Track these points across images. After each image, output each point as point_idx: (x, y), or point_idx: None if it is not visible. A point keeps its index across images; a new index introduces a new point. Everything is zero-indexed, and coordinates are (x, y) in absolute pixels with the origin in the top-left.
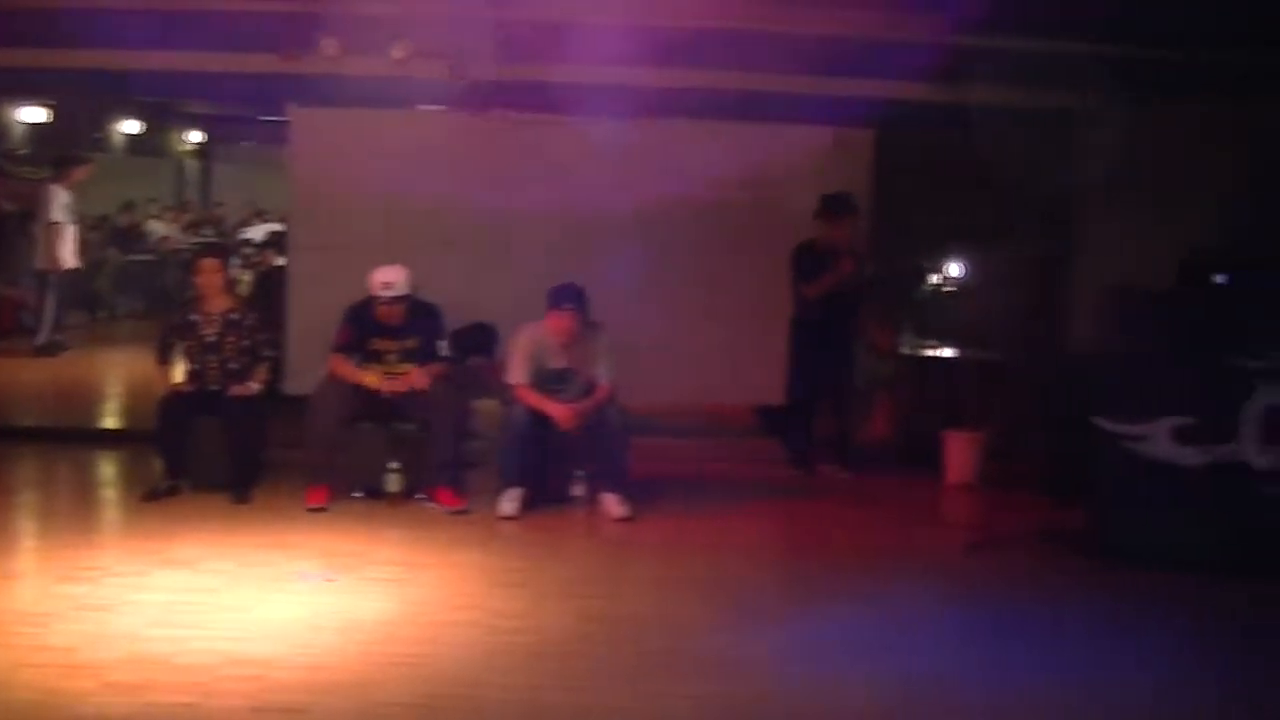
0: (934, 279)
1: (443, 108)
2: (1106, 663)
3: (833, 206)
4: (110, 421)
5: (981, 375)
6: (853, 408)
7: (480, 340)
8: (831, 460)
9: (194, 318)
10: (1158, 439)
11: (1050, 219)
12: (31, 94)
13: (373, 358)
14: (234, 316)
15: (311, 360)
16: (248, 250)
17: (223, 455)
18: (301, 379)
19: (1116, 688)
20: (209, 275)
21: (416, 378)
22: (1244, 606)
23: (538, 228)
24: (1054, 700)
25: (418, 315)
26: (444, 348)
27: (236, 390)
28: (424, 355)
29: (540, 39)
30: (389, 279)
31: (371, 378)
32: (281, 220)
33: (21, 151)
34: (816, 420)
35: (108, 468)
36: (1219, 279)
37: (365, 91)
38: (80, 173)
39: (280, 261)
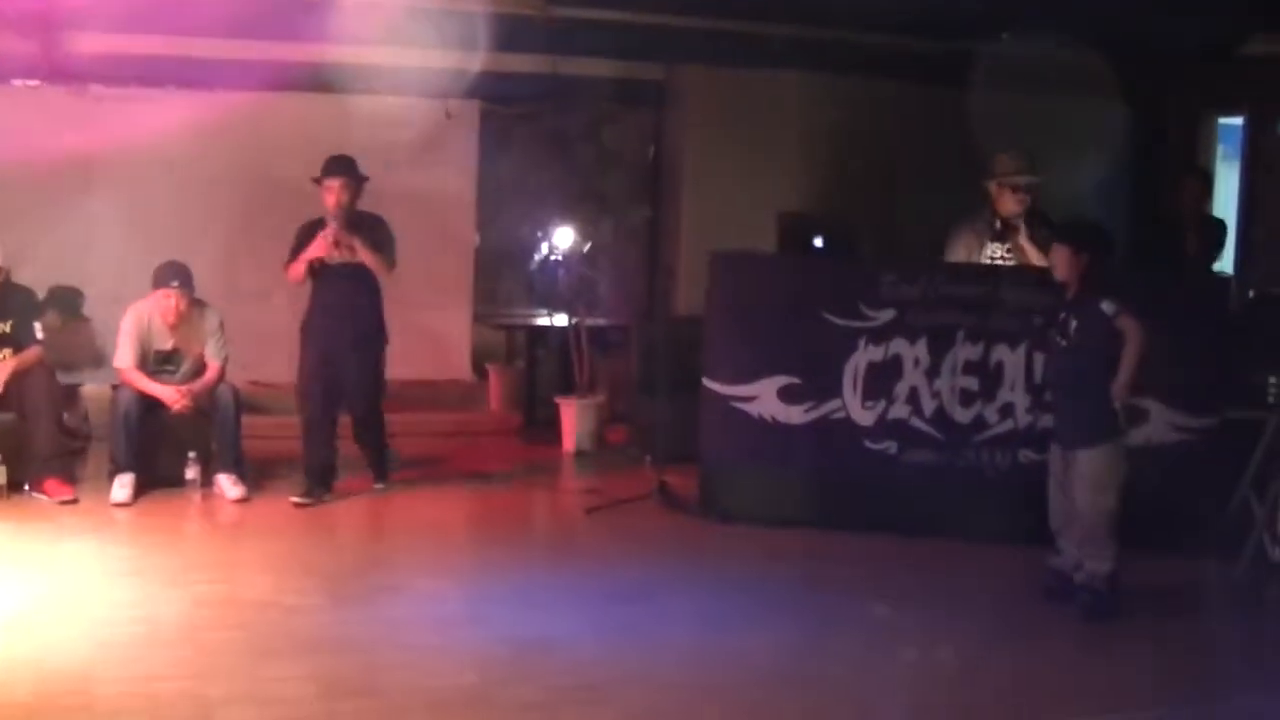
0: (545, 248)
1: (34, 83)
2: (710, 620)
3: (322, 170)
4: None
5: (594, 342)
6: (375, 410)
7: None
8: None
9: None
10: (765, 399)
11: (653, 186)
12: None
13: None
14: None
15: None
16: None
17: None
18: None
19: (725, 642)
20: None
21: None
22: (854, 560)
23: (139, 204)
24: (654, 657)
25: (10, 298)
26: (39, 330)
27: None
28: (18, 340)
29: (130, 9)
30: None
31: None
32: None
33: None
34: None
35: None
36: (816, 241)
37: None
38: None
39: None
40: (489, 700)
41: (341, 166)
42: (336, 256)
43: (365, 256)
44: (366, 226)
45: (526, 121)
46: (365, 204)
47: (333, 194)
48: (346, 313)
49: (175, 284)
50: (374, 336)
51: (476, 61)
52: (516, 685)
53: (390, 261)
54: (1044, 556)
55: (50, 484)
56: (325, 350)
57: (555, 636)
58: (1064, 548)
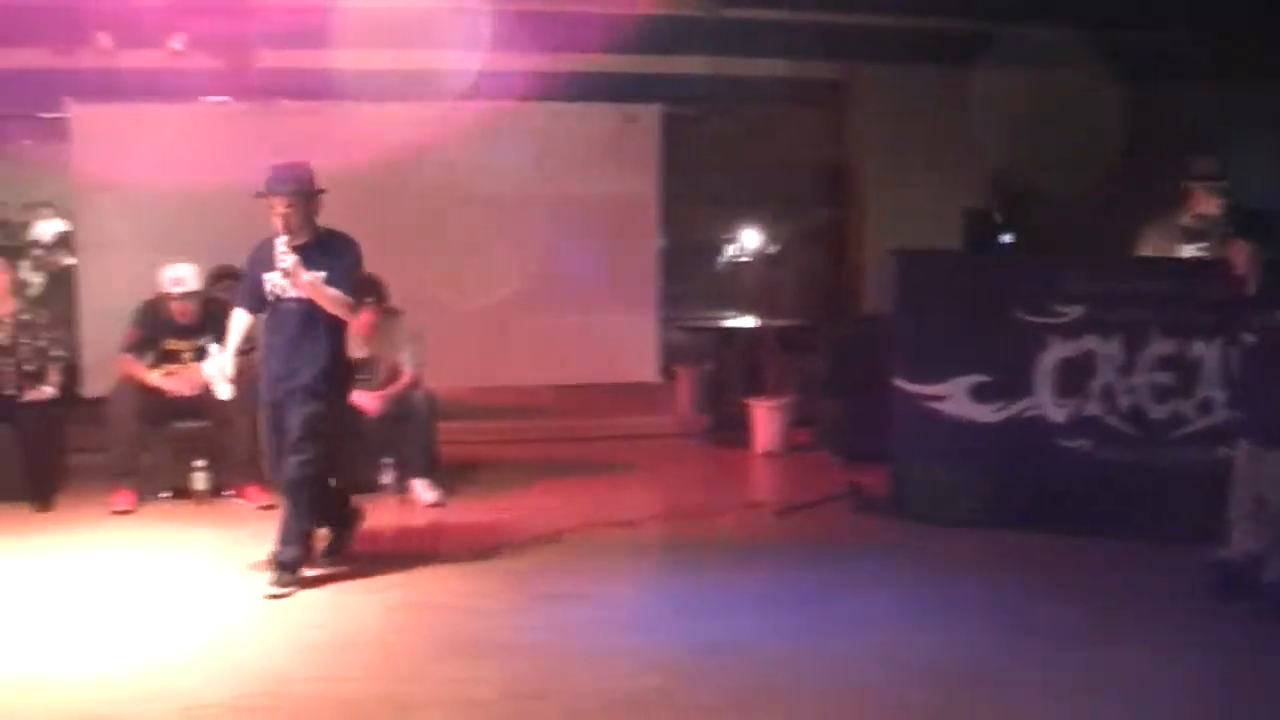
0: (730, 249)
1: (222, 99)
2: (897, 623)
3: (265, 184)
4: None
5: (781, 342)
6: (310, 475)
7: None
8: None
9: None
10: (956, 398)
11: (837, 184)
12: None
13: (168, 358)
14: (25, 318)
15: (107, 360)
16: (36, 251)
17: (20, 463)
18: (98, 380)
19: (913, 645)
20: None
21: (196, 374)
22: (1045, 560)
23: (327, 215)
24: (839, 661)
25: (211, 313)
26: None
27: (31, 395)
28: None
29: (315, 24)
30: (179, 276)
31: (159, 377)
32: (68, 219)
33: None
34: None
35: None
36: (1004, 238)
37: (144, 85)
38: None
39: (70, 261)
40: (671, 703)
41: (286, 180)
42: (289, 289)
43: (318, 296)
44: (326, 252)
45: (708, 123)
46: (548, 208)
47: (276, 215)
48: (295, 357)
49: (366, 300)
50: (324, 388)
51: (656, 65)
52: (699, 688)
53: (350, 302)
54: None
55: (251, 489)
56: (275, 400)
57: (741, 639)
58: (1235, 539)
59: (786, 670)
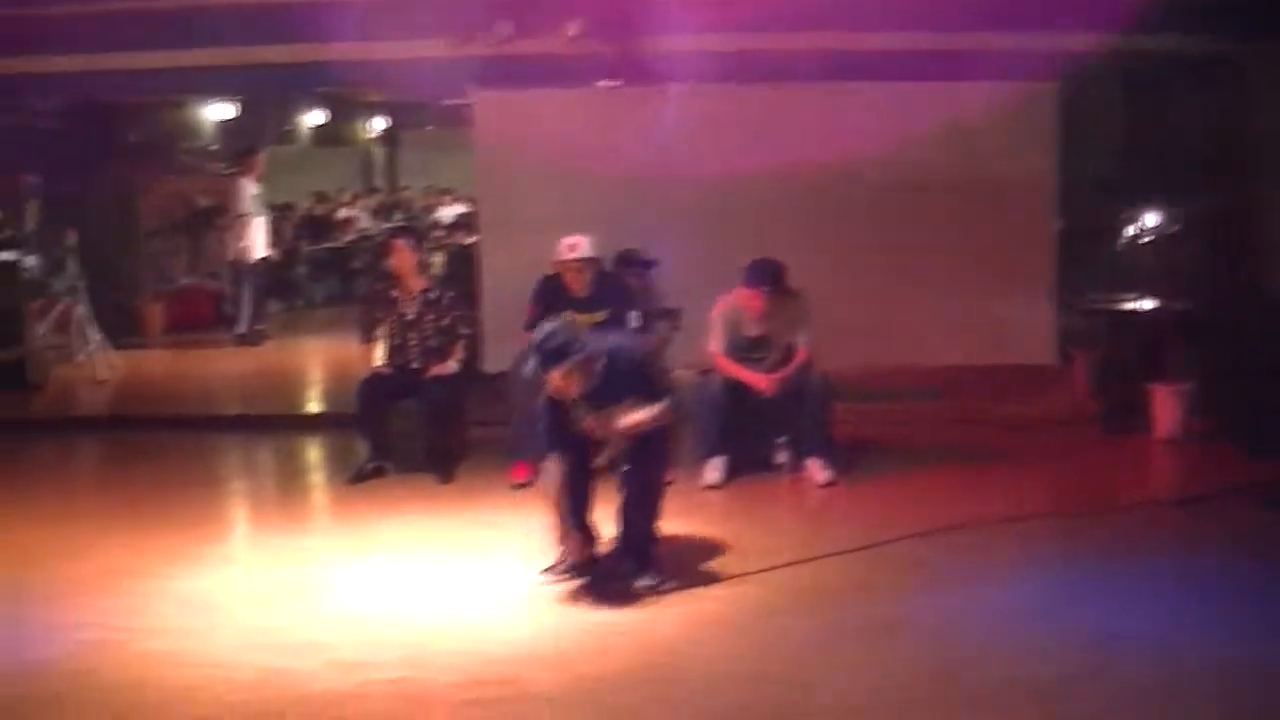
0: (1129, 231)
1: (616, 83)
2: None
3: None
4: (313, 406)
5: (1181, 327)
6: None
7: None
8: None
9: (395, 294)
10: None
11: (1241, 164)
12: (219, 92)
13: None
14: (431, 296)
15: (507, 337)
16: (438, 232)
17: (425, 435)
18: (498, 356)
19: None
20: (403, 255)
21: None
22: None
23: (721, 198)
24: (1252, 661)
25: (605, 287)
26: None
27: (436, 370)
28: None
29: (709, 8)
30: (574, 241)
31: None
32: (468, 201)
33: (212, 148)
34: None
35: (313, 452)
36: None
37: (542, 70)
38: (260, 163)
39: (470, 241)
40: (1070, 693)
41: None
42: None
43: (641, 429)
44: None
45: (1109, 102)
46: (944, 188)
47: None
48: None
49: (764, 288)
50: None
51: (1053, 42)
52: (1093, 681)
53: (666, 408)
54: None
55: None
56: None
57: (1138, 632)
58: None
59: (1186, 667)
